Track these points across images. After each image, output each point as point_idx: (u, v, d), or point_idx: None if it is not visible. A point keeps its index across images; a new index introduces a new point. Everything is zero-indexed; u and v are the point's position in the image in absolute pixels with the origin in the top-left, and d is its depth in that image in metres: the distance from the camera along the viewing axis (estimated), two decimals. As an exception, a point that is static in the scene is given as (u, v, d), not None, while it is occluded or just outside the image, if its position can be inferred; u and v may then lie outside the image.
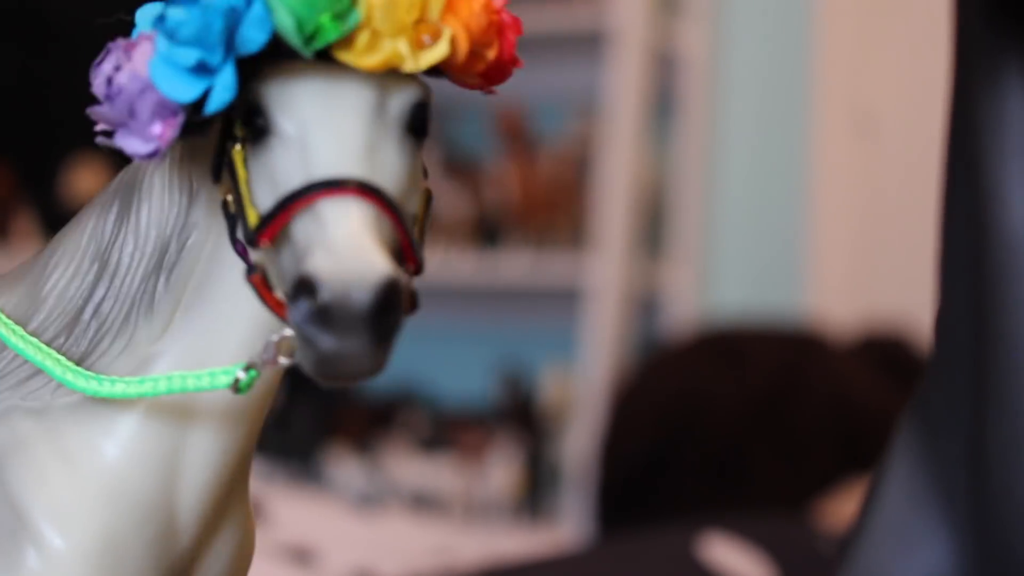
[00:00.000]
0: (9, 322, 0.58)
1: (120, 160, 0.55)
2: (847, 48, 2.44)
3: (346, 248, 0.48)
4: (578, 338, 2.47)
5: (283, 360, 0.52)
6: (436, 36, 0.52)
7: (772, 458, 1.87)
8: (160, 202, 0.56)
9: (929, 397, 0.66)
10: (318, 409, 2.60)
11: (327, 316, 0.48)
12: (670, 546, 1.53)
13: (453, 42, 0.52)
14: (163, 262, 0.57)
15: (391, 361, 0.50)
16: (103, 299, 0.57)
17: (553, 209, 2.53)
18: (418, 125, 0.53)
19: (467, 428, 2.56)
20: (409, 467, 2.55)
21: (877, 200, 2.40)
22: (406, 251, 0.52)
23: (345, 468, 2.57)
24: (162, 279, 0.57)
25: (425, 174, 0.55)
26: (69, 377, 0.56)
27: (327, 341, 0.48)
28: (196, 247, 0.56)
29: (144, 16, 0.53)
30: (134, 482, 0.56)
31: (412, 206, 0.53)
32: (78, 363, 0.57)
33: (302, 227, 0.50)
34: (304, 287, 0.48)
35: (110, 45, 0.53)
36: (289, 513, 1.76)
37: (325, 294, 0.47)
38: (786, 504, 1.81)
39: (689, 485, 1.89)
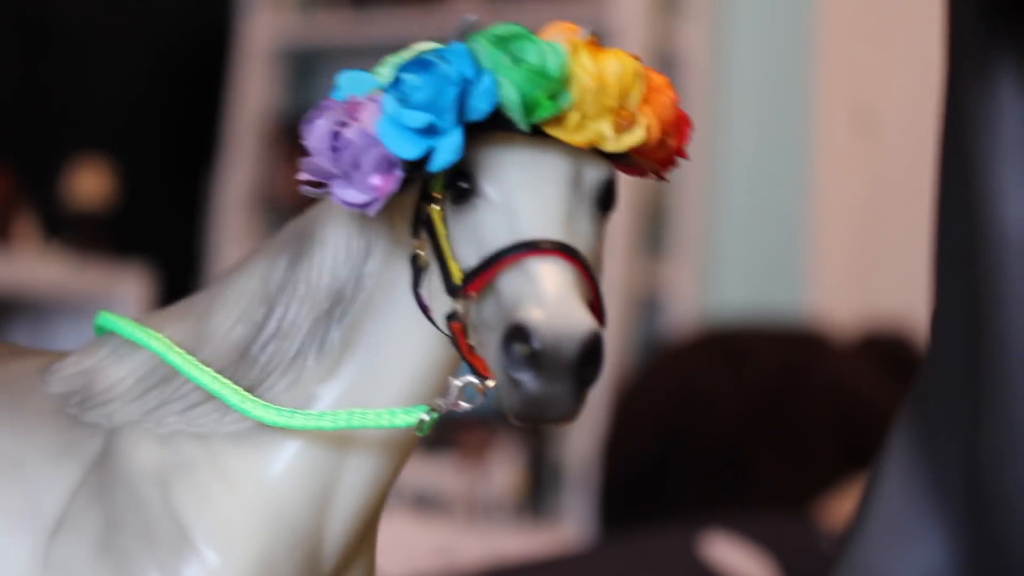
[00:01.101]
0: (183, 352, 0.62)
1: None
2: (847, 47, 2.44)
3: (556, 302, 0.54)
4: (580, 338, 2.46)
5: (464, 404, 0.58)
6: (631, 122, 0.58)
7: (774, 457, 1.87)
8: (336, 252, 0.61)
9: (925, 395, 0.66)
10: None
11: (538, 361, 0.53)
12: (672, 545, 1.53)
13: (647, 129, 0.58)
14: (336, 308, 0.61)
15: None
16: (271, 338, 0.61)
17: (554, 209, 2.53)
18: (607, 200, 0.59)
19: (469, 428, 2.56)
20: (411, 467, 2.55)
21: (877, 198, 2.40)
22: (596, 311, 0.57)
23: (347, 469, 2.57)
24: (335, 323, 0.61)
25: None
26: (248, 406, 0.60)
27: (535, 384, 0.54)
28: (369, 296, 0.61)
29: (349, 80, 0.58)
30: (291, 507, 0.60)
31: (599, 271, 0.58)
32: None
33: (510, 281, 0.55)
34: (518, 334, 0.53)
35: (325, 103, 0.58)
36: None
37: (537, 342, 0.53)
38: (788, 503, 1.81)
39: (691, 484, 1.89)
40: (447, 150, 0.56)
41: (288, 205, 2.64)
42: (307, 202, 0.62)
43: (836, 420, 1.88)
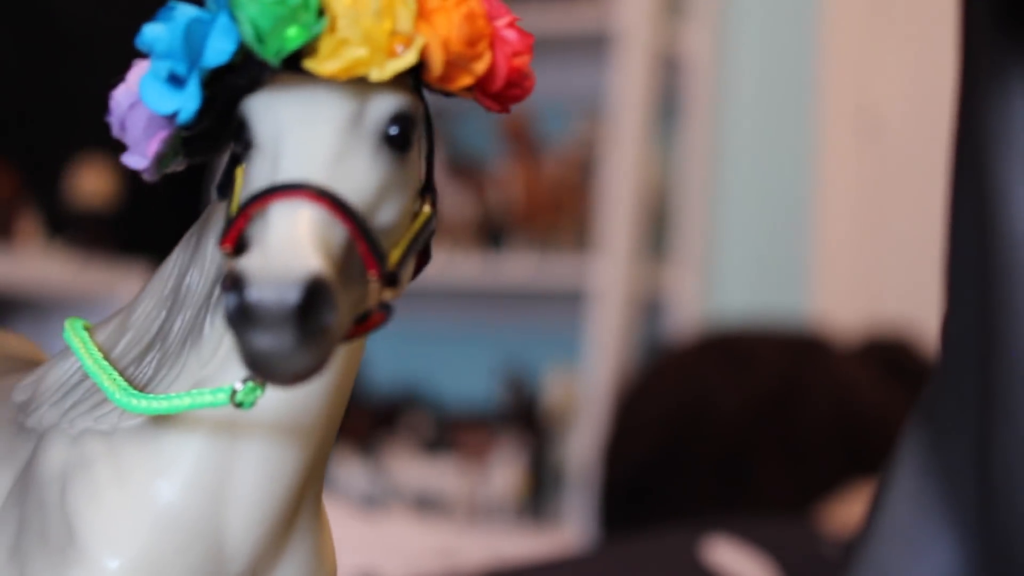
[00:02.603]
0: (91, 348, 0.59)
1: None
2: (851, 50, 2.44)
3: (278, 246, 0.48)
4: (582, 340, 2.46)
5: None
6: (405, 44, 0.51)
7: (775, 461, 1.87)
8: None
9: (936, 403, 0.65)
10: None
11: (251, 313, 0.47)
12: (674, 549, 1.53)
13: (426, 52, 0.52)
14: (215, 291, 0.57)
15: (327, 361, 0.49)
16: (172, 329, 0.58)
17: (557, 211, 2.53)
18: (400, 135, 0.53)
19: (470, 430, 2.56)
20: (412, 468, 2.55)
21: (881, 203, 2.40)
22: (366, 258, 0.51)
23: (348, 469, 2.57)
24: (212, 307, 0.57)
25: (427, 193, 0.55)
26: (118, 395, 0.56)
27: (252, 338, 0.48)
28: None
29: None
30: (177, 501, 0.56)
31: (386, 217, 0.53)
32: (143, 388, 0.58)
33: (255, 230, 0.50)
34: (231, 283, 0.48)
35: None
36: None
37: (250, 291, 0.47)
38: (789, 507, 1.81)
39: (692, 488, 1.89)
40: (189, 99, 0.52)
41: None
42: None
43: (838, 424, 1.88)
